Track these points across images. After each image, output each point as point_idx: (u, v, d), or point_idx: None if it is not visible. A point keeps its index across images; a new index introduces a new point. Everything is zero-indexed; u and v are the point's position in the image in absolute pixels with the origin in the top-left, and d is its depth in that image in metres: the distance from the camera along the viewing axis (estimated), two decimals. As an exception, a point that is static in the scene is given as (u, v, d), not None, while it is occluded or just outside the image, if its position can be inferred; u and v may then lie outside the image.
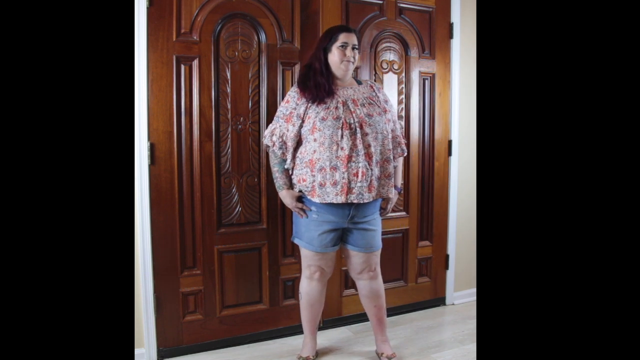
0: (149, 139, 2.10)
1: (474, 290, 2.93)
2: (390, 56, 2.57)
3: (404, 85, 2.62)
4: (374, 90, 2.04)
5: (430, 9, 2.66)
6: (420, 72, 2.66)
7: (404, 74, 2.62)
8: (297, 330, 2.43)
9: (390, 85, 2.58)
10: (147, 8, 2.05)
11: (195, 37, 2.14)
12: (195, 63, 2.16)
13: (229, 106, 2.23)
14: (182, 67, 2.14)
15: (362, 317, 2.57)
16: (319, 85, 1.91)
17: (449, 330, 2.56)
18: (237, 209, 2.30)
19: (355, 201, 1.88)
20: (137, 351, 2.12)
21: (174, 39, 2.11)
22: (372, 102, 1.96)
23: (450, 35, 2.72)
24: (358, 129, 1.87)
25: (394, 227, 2.66)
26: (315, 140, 1.89)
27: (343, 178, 1.86)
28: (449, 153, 2.78)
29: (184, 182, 2.19)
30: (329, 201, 1.88)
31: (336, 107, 1.90)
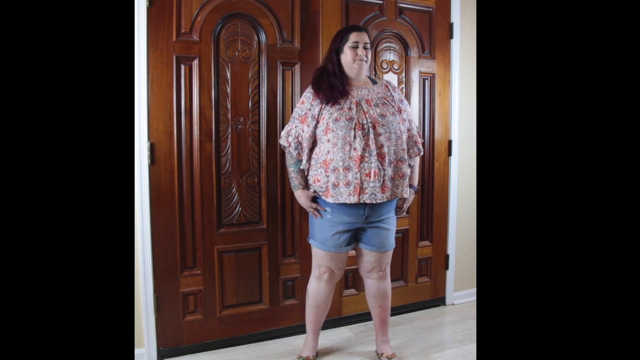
0: (149, 139, 2.10)
1: (474, 290, 2.93)
2: (390, 56, 2.57)
3: (404, 85, 2.62)
4: (389, 90, 2.03)
5: (430, 9, 2.66)
6: (420, 72, 2.66)
7: (404, 74, 2.62)
8: (297, 330, 2.43)
9: (390, 85, 2.58)
10: (147, 8, 2.04)
11: (195, 37, 2.14)
12: (195, 63, 2.16)
13: (229, 106, 2.24)
14: (182, 67, 2.14)
15: (362, 317, 2.57)
16: (332, 87, 1.92)
17: (449, 330, 2.56)
18: (237, 209, 2.30)
19: (368, 201, 1.88)
20: (137, 351, 2.12)
21: (174, 39, 2.11)
22: (386, 102, 1.96)
23: (450, 35, 2.72)
24: (371, 129, 1.88)
25: (394, 227, 2.66)
26: (328, 141, 1.90)
27: (356, 178, 1.86)
28: (449, 153, 2.78)
29: (184, 182, 2.19)
30: (342, 201, 1.89)
31: (349, 108, 1.90)
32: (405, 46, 2.61)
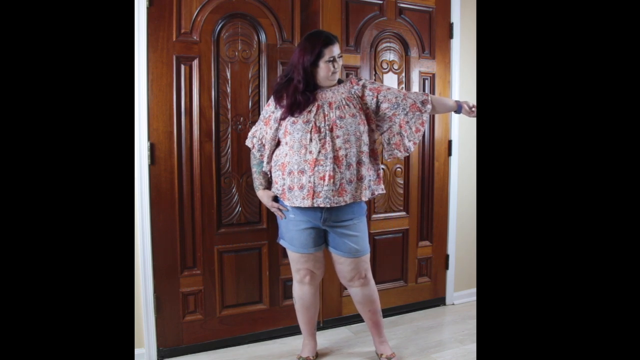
0: (149, 139, 2.10)
1: (474, 290, 2.93)
2: (390, 56, 2.57)
3: (403, 86, 2.62)
4: (354, 86, 1.98)
5: (430, 9, 2.66)
6: (420, 72, 2.66)
7: (404, 74, 2.62)
8: (297, 330, 2.43)
9: (390, 85, 2.58)
10: (147, 8, 2.05)
11: (195, 37, 2.15)
12: (196, 63, 2.16)
13: (229, 106, 2.24)
14: (182, 67, 2.14)
15: (362, 318, 2.57)
16: (294, 104, 1.88)
17: (448, 330, 2.56)
18: (237, 209, 2.30)
19: (322, 205, 1.85)
20: (137, 351, 2.12)
21: (174, 39, 2.11)
22: (348, 102, 1.91)
23: (450, 35, 2.73)
24: (328, 132, 1.85)
25: (394, 227, 2.66)
26: (286, 143, 1.91)
27: (309, 182, 1.85)
28: (449, 153, 2.78)
29: (184, 182, 2.19)
30: (297, 205, 1.89)
31: (309, 111, 1.88)
32: (405, 46, 2.61)
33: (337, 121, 1.87)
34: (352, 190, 1.89)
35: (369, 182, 1.96)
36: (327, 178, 1.83)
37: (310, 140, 1.85)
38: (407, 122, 1.98)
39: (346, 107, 1.90)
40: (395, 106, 1.97)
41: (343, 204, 1.88)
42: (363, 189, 1.92)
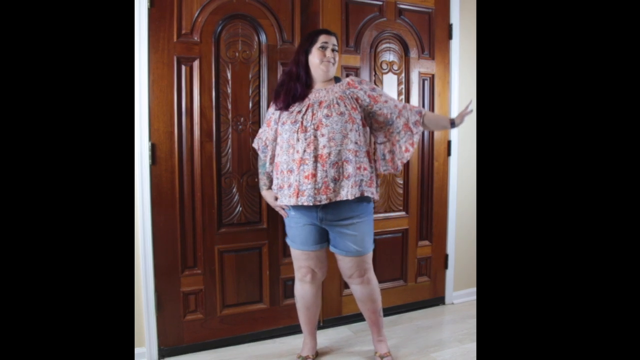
0: (150, 139, 2.11)
1: (474, 289, 2.94)
2: (390, 57, 2.58)
3: (403, 86, 2.63)
4: (350, 88, 1.96)
5: (430, 10, 2.67)
6: (419, 73, 2.67)
7: (403, 75, 2.63)
8: (297, 329, 2.44)
9: (390, 86, 2.59)
10: (148, 9, 2.06)
11: (196, 38, 2.16)
12: (196, 64, 2.17)
13: (230, 107, 2.25)
14: (183, 67, 2.15)
15: (362, 317, 2.57)
16: (289, 91, 1.94)
17: (448, 329, 2.57)
18: (237, 209, 2.31)
19: (305, 203, 1.86)
20: (138, 350, 2.13)
21: (175, 40, 2.12)
22: (339, 101, 1.90)
23: (449, 36, 2.74)
24: (313, 131, 1.87)
25: (394, 227, 2.67)
26: (279, 144, 1.96)
27: (296, 181, 1.88)
28: (449, 153, 2.80)
29: (185, 182, 2.20)
30: (286, 203, 1.93)
31: (299, 111, 1.91)
32: (404, 47, 2.62)
33: (323, 120, 1.88)
34: (337, 188, 1.87)
35: (360, 181, 1.91)
36: (310, 177, 1.85)
37: (297, 139, 1.88)
38: (398, 141, 2.00)
39: (336, 105, 1.90)
40: (390, 122, 1.98)
41: (326, 201, 1.86)
42: (350, 186, 1.88)
